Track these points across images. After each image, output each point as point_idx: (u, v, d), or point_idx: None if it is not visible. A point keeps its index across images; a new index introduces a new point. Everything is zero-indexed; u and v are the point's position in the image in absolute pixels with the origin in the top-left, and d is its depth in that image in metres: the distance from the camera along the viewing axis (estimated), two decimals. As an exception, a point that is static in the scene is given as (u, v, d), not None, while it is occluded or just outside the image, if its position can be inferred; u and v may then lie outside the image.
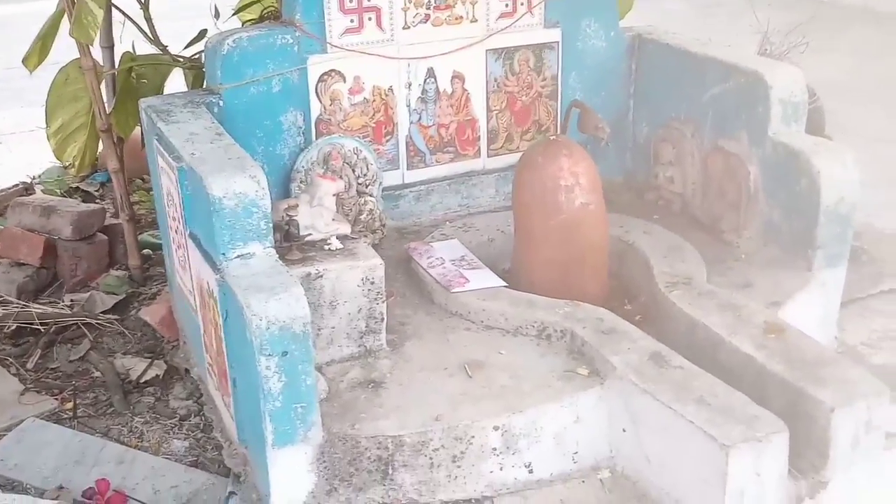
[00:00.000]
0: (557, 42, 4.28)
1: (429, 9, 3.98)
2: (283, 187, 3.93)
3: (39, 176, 5.80)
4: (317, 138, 3.94)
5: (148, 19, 4.40)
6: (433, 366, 3.26)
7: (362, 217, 4.01)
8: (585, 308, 3.45)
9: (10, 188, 5.62)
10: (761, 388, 3.12)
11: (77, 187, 5.56)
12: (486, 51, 4.16)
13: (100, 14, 3.88)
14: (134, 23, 4.41)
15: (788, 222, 3.80)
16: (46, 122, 4.33)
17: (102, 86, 4.56)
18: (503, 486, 3.07)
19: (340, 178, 3.45)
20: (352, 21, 3.87)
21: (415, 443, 2.96)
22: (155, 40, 4.42)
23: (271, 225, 3.03)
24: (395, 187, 4.18)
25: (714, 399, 2.94)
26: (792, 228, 3.79)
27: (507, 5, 4.14)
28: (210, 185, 2.94)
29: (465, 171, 4.29)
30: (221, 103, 3.74)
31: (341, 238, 3.34)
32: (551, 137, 3.71)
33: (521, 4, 4.16)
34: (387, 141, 4.10)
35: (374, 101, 4.02)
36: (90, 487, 3.25)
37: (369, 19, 3.89)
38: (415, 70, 4.04)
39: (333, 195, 3.36)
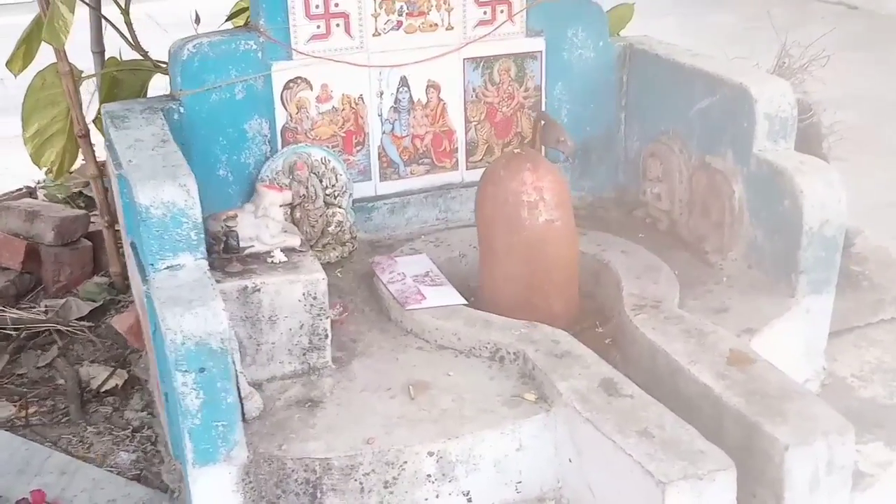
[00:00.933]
0: (541, 51, 4.12)
1: (401, 15, 3.86)
2: (248, 196, 3.80)
3: (43, 180, 5.79)
4: (283, 147, 3.84)
5: (128, 24, 4.34)
6: (376, 386, 3.12)
7: (330, 229, 3.89)
8: (543, 329, 3.28)
9: (12, 192, 5.62)
10: (718, 421, 2.92)
11: (80, 192, 5.54)
12: (464, 59, 4.02)
13: (70, 18, 3.81)
14: (115, 28, 4.36)
15: (772, 244, 3.59)
16: (23, 127, 4.28)
17: (90, 90, 4.51)
18: (438, 516, 2.92)
19: (289, 188, 3.32)
20: (318, 27, 3.76)
21: (343, 466, 2.82)
22: (136, 45, 4.36)
23: (203, 236, 2.91)
24: (367, 199, 4.05)
25: (660, 431, 2.75)
26: (775, 251, 3.58)
27: (485, 13, 3.99)
28: (138, 194, 2.84)
29: (442, 183, 4.15)
30: (182, 110, 3.66)
31: (287, 251, 3.22)
32: (515, 151, 3.55)
33: (501, 12, 4.01)
34: (357, 151, 3.98)
35: (343, 109, 3.90)
36: (23, 498, 3.17)
37: (337, 25, 3.78)
38: (387, 78, 3.91)
39: (280, 206, 3.24)
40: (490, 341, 3.24)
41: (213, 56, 3.65)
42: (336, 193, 3.89)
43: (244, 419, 2.91)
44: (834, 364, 3.75)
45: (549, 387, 3.00)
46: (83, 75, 4.28)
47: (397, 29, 3.87)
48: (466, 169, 4.15)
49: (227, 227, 3.10)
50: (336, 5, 3.76)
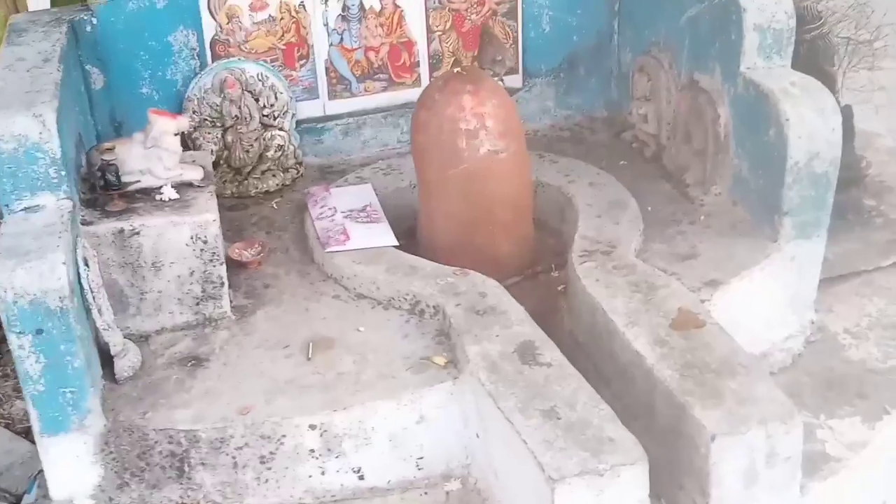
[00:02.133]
0: (515, -52, 3.59)
1: None
2: (178, 117, 3.47)
3: None
4: (213, 62, 3.44)
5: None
6: (275, 342, 2.79)
7: (269, 154, 3.52)
8: (473, 279, 2.88)
9: None
10: (650, 397, 2.51)
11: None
12: (423, -41, 3.53)
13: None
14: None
15: (756, 180, 3.08)
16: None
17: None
18: (326, 493, 2.60)
19: (187, 114, 2.93)
20: (245, -78, 3.32)
21: (212, 439, 2.51)
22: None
23: (63, 173, 2.57)
24: (315, 119, 3.65)
25: (568, 412, 2.35)
26: (760, 188, 3.07)
27: None
28: (-12, 125, 2.51)
29: (403, 101, 3.70)
30: (95, 21, 3.30)
31: (184, 186, 2.87)
32: (455, 70, 3.08)
33: None
34: (301, 66, 3.56)
35: (281, 18, 3.47)
36: None
37: (268, -80, 3.33)
38: (331, -17, 3.46)
39: (175, 134, 2.86)
40: (410, 292, 2.85)
41: (127, -40, 3.26)
42: (275, 114, 3.50)
43: (115, 379, 2.63)
44: (827, 316, 3.23)
45: (460, 349, 2.61)
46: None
47: (341, -77, 3.40)
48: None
49: (104, 160, 2.75)
50: None
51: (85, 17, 3.28)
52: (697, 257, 3.00)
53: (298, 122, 3.59)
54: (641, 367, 2.52)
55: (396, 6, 3.54)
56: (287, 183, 3.55)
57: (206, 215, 2.77)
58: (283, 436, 2.52)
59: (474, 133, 2.96)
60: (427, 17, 3.59)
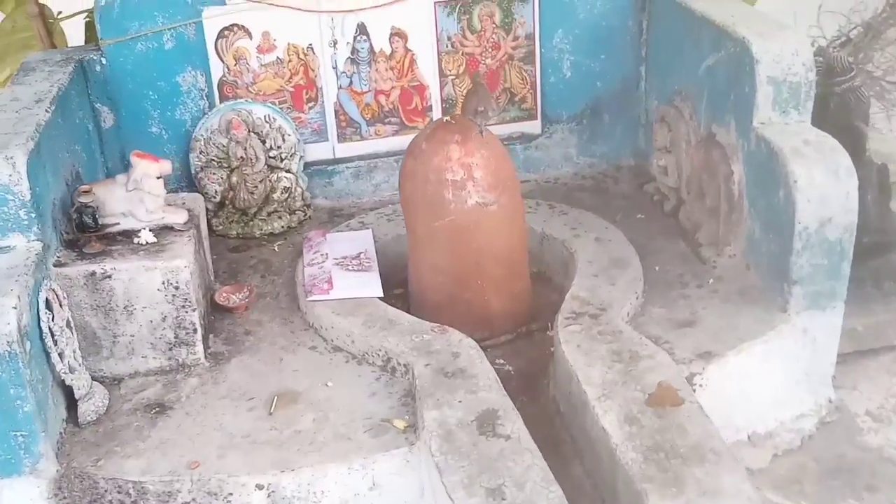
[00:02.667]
0: (533, -8, 3.47)
1: (354, -48, 3.32)
2: (186, 156, 3.46)
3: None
4: (221, 103, 3.42)
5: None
6: (241, 393, 2.72)
7: (276, 196, 3.48)
8: (450, 337, 2.76)
9: None
10: (613, 478, 2.34)
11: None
12: (435, 3, 3.43)
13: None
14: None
15: (768, 244, 2.87)
16: (-8, 72, 4.09)
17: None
18: (275, 556, 2.50)
19: (162, 162, 2.86)
20: (253, -34, 3.29)
21: (160, 492, 2.45)
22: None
23: (34, 215, 2.56)
24: (325, 162, 3.59)
25: (516, 492, 2.20)
26: (770, 253, 2.86)
27: (460, -55, 3.39)
28: (-42, 168, 2.52)
29: (416, 145, 3.60)
30: (104, 61, 3.32)
31: (157, 230, 2.83)
32: (445, 119, 2.97)
33: (480, -56, 3.39)
34: (310, 108, 3.51)
35: (289, 61, 3.42)
36: None
37: (277, -36, 3.30)
38: (340, 25, 3.40)
39: (157, 178, 2.84)
40: (383, 348, 2.75)
41: (136, 1, 3.26)
42: (282, 156, 3.45)
43: (77, 423, 2.61)
44: (850, 395, 2.99)
45: (420, 414, 2.49)
46: (59, 16, 4.01)
47: (351, -34, 3.34)
48: (444, 130, 3.58)
49: (80, 202, 2.74)
50: (274, -60, 3.28)
51: (95, 57, 3.30)
52: (696, 325, 2.81)
53: (308, 165, 3.53)
54: (607, 445, 2.36)
55: (407, 49, 3.46)
56: (293, 225, 3.50)
57: (177, 261, 2.72)
58: (230, 493, 2.44)
59: (461, 184, 2.85)
60: (439, 60, 3.50)
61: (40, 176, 2.64)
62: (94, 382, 2.70)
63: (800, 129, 2.86)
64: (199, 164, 3.42)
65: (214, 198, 3.44)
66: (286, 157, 3.45)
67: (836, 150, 2.74)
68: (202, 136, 3.40)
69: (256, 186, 3.43)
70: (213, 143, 3.40)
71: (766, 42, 2.85)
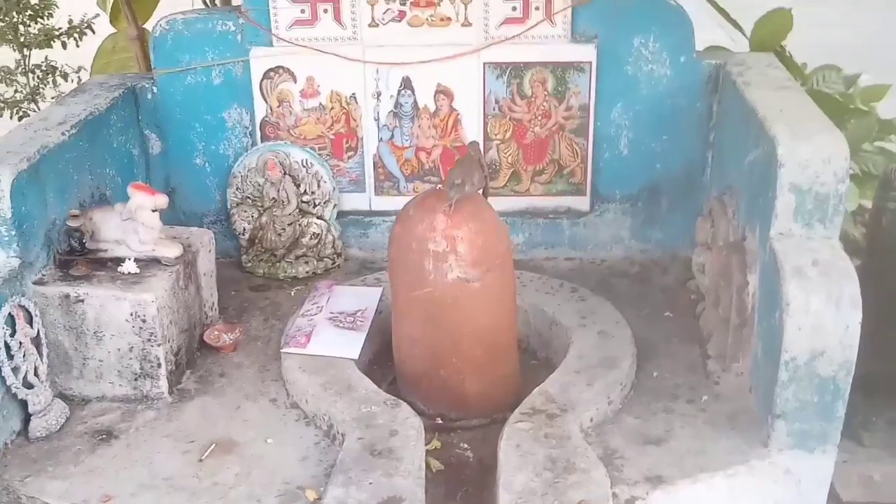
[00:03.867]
0: (590, 62, 3.29)
1: (403, 4, 3.27)
2: (225, 191, 3.52)
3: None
4: (262, 142, 3.46)
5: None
6: (184, 435, 2.71)
7: (304, 240, 3.47)
8: (398, 413, 2.65)
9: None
10: None
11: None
12: (484, 64, 3.33)
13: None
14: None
15: (765, 368, 2.57)
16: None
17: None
18: None
19: (157, 195, 2.88)
20: (302, 11, 3.30)
21: (69, 520, 2.47)
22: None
23: (13, 232, 2.67)
24: (362, 213, 3.55)
25: None
26: (766, 378, 2.56)
27: (514, 8, 3.26)
28: (-47, 180, 2.67)
29: (456, 207, 3.49)
30: (155, 90, 3.43)
31: (146, 262, 2.88)
32: (438, 187, 2.86)
33: (536, 9, 3.25)
34: (349, 158, 3.48)
35: (331, 108, 3.41)
36: None
37: (325, 11, 3.29)
38: (385, 78, 3.36)
39: (153, 211, 2.89)
40: (328, 413, 2.67)
41: (189, 35, 3.37)
42: (316, 201, 3.45)
43: (28, 437, 2.68)
44: (849, 552, 2.62)
45: (326, 489, 2.39)
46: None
47: (399, 20, 3.29)
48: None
49: (68, 226, 2.83)
50: (324, -12, 3.29)
51: (147, 85, 3.42)
52: (662, 444, 2.55)
53: (343, 214, 3.50)
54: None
55: (452, 108, 3.37)
56: (319, 272, 3.48)
57: (145, 295, 2.75)
58: (130, 535, 2.43)
59: (443, 256, 2.72)
60: (485, 123, 3.39)
61: (32, 195, 2.75)
62: (57, 400, 2.77)
63: (817, 245, 2.53)
64: (235, 200, 3.47)
65: (243, 235, 3.47)
66: (319, 203, 3.44)
67: (846, 277, 2.41)
68: (240, 172, 3.44)
69: (284, 229, 3.44)
70: (250, 182, 3.44)
71: (795, 144, 2.56)
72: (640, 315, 3.14)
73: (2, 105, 4.74)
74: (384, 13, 3.28)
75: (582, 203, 3.47)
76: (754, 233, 2.76)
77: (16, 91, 4.85)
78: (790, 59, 3.61)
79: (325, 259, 3.49)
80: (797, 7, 3.77)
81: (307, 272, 3.47)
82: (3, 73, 4.91)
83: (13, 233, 2.68)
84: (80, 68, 4.66)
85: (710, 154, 3.40)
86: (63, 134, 2.95)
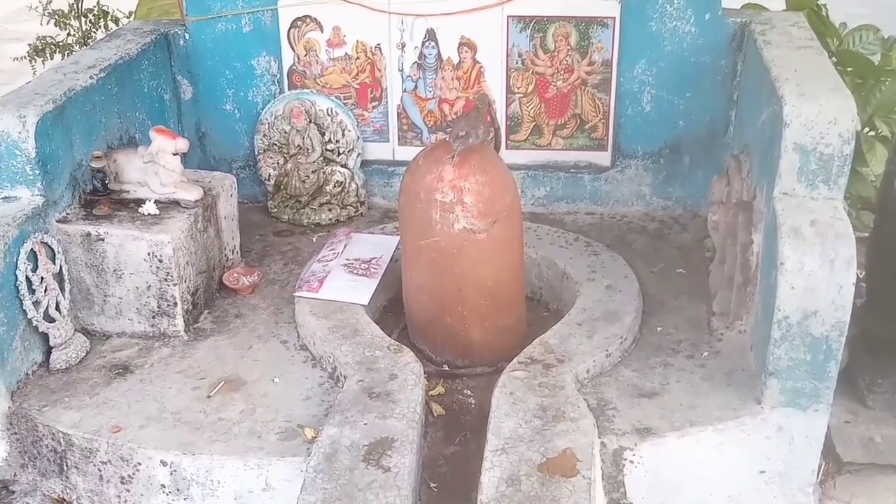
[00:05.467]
0: (614, 18, 3.28)
1: (429, -43, 3.29)
2: (253, 137, 3.60)
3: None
4: (289, 90, 3.53)
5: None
6: (196, 371, 2.83)
7: (328, 188, 3.55)
8: (399, 358, 2.72)
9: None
10: (475, 539, 2.22)
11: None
12: (508, 17, 3.34)
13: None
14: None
15: (762, 326, 2.58)
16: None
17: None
18: (174, 532, 2.59)
19: (178, 139, 2.97)
20: (329, -39, 3.35)
21: (83, 447, 2.60)
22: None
23: (38, 171, 2.79)
24: (385, 162, 3.61)
25: (355, 527, 2.15)
26: (761, 337, 2.57)
27: (538, -38, 3.27)
28: (-16, 118, 2.79)
29: (479, 159, 3.53)
30: (187, 36, 3.52)
31: (166, 204, 2.97)
32: (445, 138, 2.89)
33: (560, -37, 3.25)
34: (374, 107, 3.53)
35: (357, 58, 3.46)
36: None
37: (352, -38, 3.34)
38: (410, 29, 3.39)
39: (174, 154, 2.98)
40: (333, 356, 2.75)
41: (220, -17, 3.44)
42: (339, 150, 3.51)
43: (49, 368, 2.82)
44: (843, 510, 2.63)
45: (322, 428, 2.48)
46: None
47: (425, -28, 3.32)
48: (506, 148, 3.48)
49: (92, 167, 2.93)
50: (351, -62, 3.32)
51: (179, 32, 3.50)
52: (655, 397, 2.59)
53: (367, 163, 3.57)
54: (478, 501, 2.23)
55: (476, 61, 3.39)
56: (342, 219, 3.55)
57: (161, 236, 2.85)
58: (139, 463, 2.55)
59: (449, 207, 2.76)
60: (508, 76, 3.40)
61: (58, 136, 2.85)
62: (78, 335, 2.90)
63: (819, 206, 2.52)
64: (262, 146, 3.55)
65: (268, 181, 3.56)
66: (343, 151, 3.50)
67: (842, 237, 2.40)
68: (267, 120, 3.52)
69: (308, 176, 3.51)
70: (276, 129, 3.51)
71: (802, 104, 2.53)
72: (652, 271, 3.16)
73: (55, 47, 4.89)
74: (410, -36, 3.30)
75: (603, 158, 3.47)
76: (762, 192, 2.75)
77: (68, 35, 5.01)
78: (825, 18, 3.54)
79: (348, 207, 3.56)
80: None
81: (330, 219, 3.54)
82: (57, 17, 5.08)
83: (37, 172, 2.79)
84: (131, 13, 4.77)
85: (734, 113, 3.37)
86: (91, 77, 3.04)
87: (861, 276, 2.87)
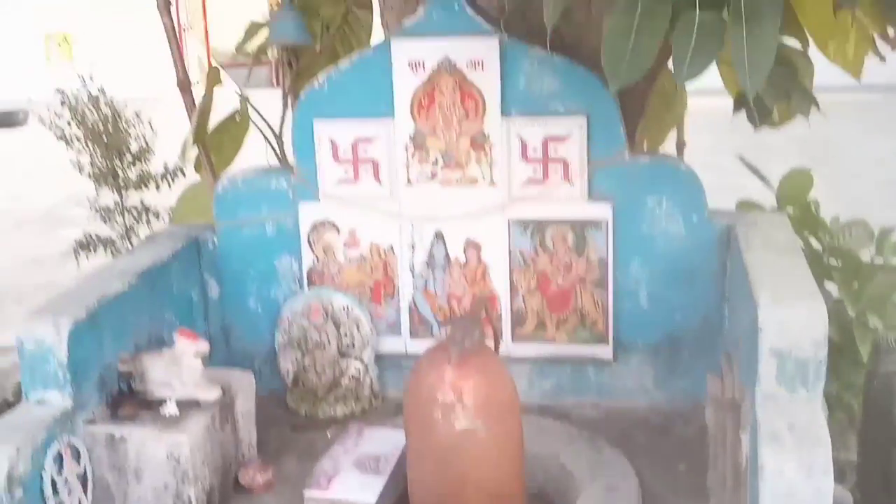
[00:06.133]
0: (606, 221, 3.50)
1: (436, 166, 3.56)
2: (274, 334, 3.82)
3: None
4: (309, 288, 3.76)
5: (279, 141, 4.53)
6: (208, 569, 2.94)
7: (343, 382, 3.72)
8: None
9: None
10: None
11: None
12: (509, 220, 3.57)
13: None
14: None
15: (749, 528, 2.65)
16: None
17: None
18: None
19: (199, 342, 3.19)
20: (346, 171, 3.62)
21: None
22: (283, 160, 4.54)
23: (68, 375, 3.00)
24: (398, 356, 3.79)
25: None
26: (748, 538, 2.64)
27: (535, 170, 3.51)
28: (21, 327, 3.03)
29: (487, 352, 3.70)
30: (216, 240, 3.79)
31: (185, 404, 3.16)
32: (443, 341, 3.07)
33: (556, 171, 3.49)
34: (387, 304, 3.74)
35: (371, 258, 3.70)
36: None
37: (366, 171, 3.61)
38: (419, 231, 3.63)
39: (195, 356, 3.19)
40: (333, 556, 2.86)
41: (246, 191, 3.73)
42: (354, 344, 3.70)
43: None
44: None
45: None
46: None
47: (432, 180, 3.57)
48: (513, 341, 3.66)
49: (119, 370, 3.15)
50: (365, 151, 3.60)
51: (209, 236, 3.78)
52: None
53: (381, 356, 3.75)
54: None
55: (481, 260, 3.61)
56: (357, 413, 3.70)
57: (179, 436, 3.03)
58: None
59: (450, 407, 2.91)
60: (511, 274, 3.60)
61: (89, 341, 3.08)
62: (97, 534, 3.05)
63: (798, 409, 2.63)
64: (282, 342, 3.75)
65: (287, 376, 3.74)
66: (357, 346, 3.69)
67: (819, 444, 2.50)
68: (287, 316, 3.74)
69: (325, 371, 3.69)
70: (296, 325, 3.73)
71: (776, 309, 2.69)
72: (657, 469, 3.24)
73: (98, 243, 5.25)
74: (418, 174, 3.57)
75: (605, 352, 3.62)
76: (748, 392, 2.87)
77: (112, 230, 5.38)
78: (814, 215, 3.72)
79: (362, 400, 3.72)
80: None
81: (345, 413, 3.70)
82: (103, 213, 5.46)
83: (68, 376, 3.01)
84: (171, 209, 5.11)
85: (727, 307, 3.52)
86: (123, 284, 3.30)
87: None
